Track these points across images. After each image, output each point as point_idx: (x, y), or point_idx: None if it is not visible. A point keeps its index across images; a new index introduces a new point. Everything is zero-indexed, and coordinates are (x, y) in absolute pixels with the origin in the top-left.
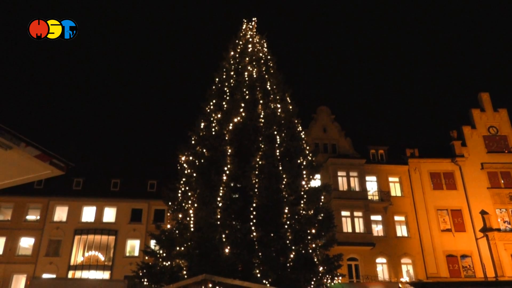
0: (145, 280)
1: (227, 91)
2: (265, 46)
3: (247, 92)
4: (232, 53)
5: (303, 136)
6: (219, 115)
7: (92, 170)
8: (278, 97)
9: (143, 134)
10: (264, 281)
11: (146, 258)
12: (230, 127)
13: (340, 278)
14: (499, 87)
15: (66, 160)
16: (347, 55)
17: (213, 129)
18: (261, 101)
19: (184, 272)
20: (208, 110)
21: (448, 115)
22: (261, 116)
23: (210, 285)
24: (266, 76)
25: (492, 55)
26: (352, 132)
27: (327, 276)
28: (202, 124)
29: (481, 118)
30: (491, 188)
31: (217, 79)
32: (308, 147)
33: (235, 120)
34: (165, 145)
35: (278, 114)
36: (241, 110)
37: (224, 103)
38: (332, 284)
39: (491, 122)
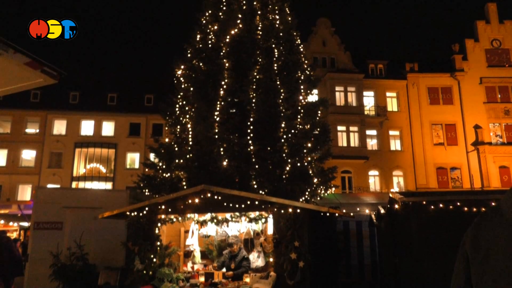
0: (146, 190)
1: (223, 0)
2: None
3: (244, 1)
4: None
5: (301, 49)
6: (215, 27)
7: (88, 84)
8: (276, 8)
9: (138, 47)
10: (260, 192)
11: (146, 170)
12: (227, 40)
13: (334, 189)
14: None
15: (58, 68)
16: None
17: (209, 42)
18: (259, 12)
19: (184, 183)
20: (204, 21)
21: (452, 29)
22: (259, 28)
23: (209, 195)
24: None
25: None
26: (352, 46)
27: (321, 187)
28: (198, 36)
29: (485, 31)
30: (487, 103)
31: None
32: (306, 61)
33: (232, 32)
34: (162, 59)
35: (277, 26)
36: (238, 21)
37: (220, 13)
38: (326, 194)
39: (495, 35)
